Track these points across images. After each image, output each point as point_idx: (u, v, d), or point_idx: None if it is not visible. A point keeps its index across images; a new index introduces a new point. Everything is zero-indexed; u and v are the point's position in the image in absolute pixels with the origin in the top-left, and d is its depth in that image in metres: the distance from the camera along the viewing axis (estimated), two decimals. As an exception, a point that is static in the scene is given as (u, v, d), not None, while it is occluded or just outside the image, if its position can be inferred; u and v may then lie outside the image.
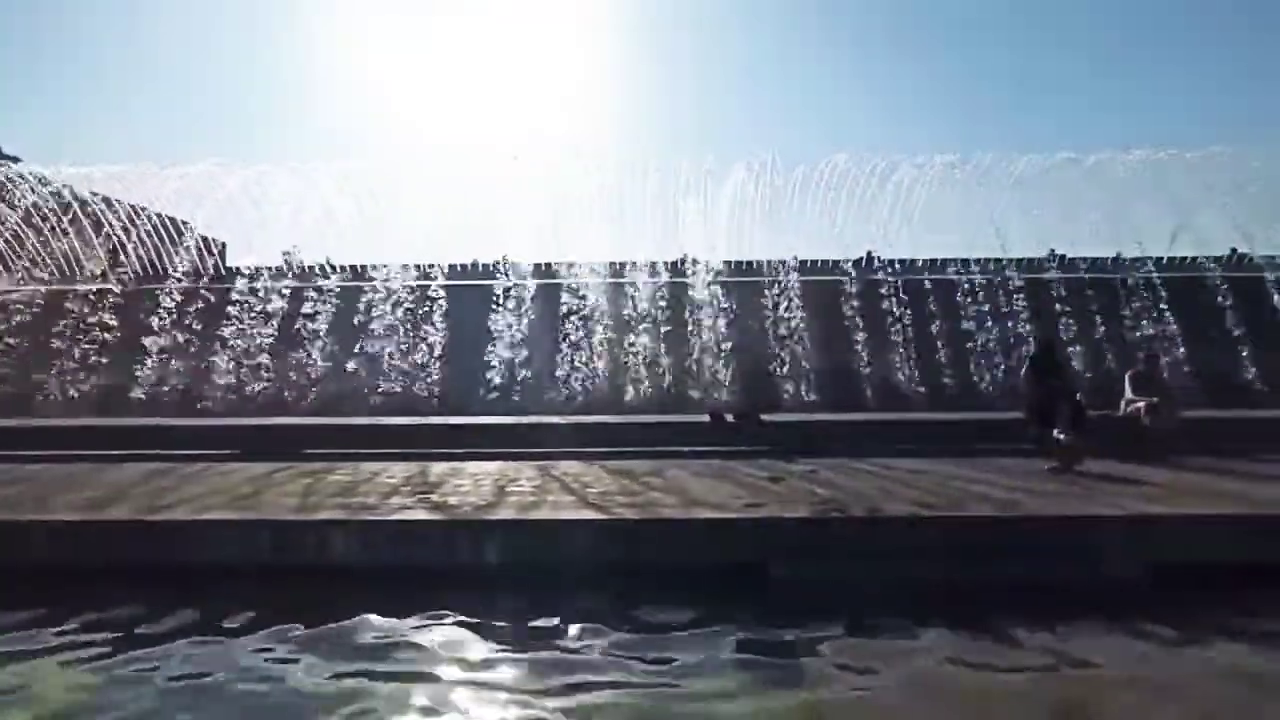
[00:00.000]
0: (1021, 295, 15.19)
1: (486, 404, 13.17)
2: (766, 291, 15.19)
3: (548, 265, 16.79)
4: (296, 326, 14.54)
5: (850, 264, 16.56)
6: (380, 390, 13.95)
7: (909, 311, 15.13)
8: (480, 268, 18.07)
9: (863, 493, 5.99)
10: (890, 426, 10.71)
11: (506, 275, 15.92)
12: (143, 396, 14.05)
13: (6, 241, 18.32)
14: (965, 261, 16.98)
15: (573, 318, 14.75)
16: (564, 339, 14.46)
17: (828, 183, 19.41)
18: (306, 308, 14.68)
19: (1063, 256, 18.24)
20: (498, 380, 13.80)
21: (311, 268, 16.83)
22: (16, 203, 18.21)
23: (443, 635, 3.95)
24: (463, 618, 4.13)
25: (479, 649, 3.78)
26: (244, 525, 5.07)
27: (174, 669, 3.57)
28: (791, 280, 15.50)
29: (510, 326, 14.47)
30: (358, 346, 14.29)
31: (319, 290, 14.94)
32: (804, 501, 5.60)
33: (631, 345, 14.55)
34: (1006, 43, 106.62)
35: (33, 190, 18.71)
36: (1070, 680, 3.52)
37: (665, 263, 16.33)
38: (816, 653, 3.72)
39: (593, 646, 3.79)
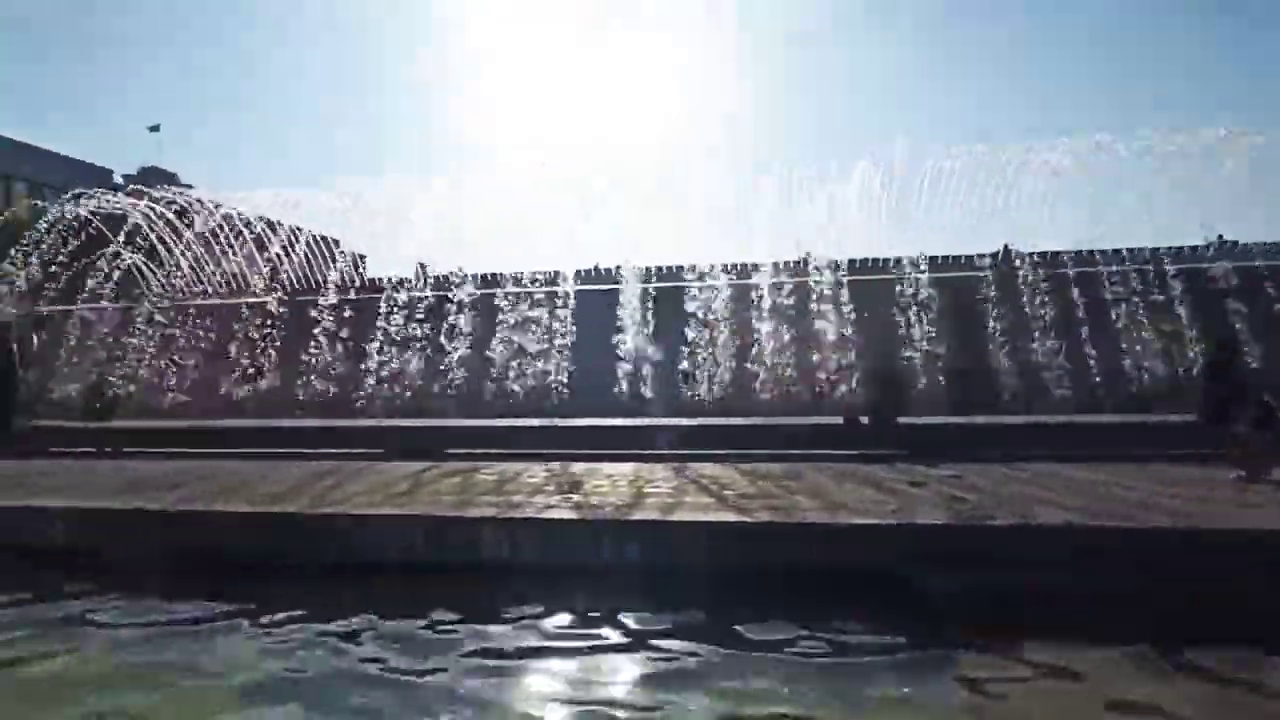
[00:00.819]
0: (1182, 286, 13.85)
1: (616, 406, 13.44)
2: (895, 289, 14.65)
3: (669, 268, 16.96)
4: (437, 333, 15.42)
5: (986, 258, 15.70)
6: (513, 393, 14.56)
7: (1052, 307, 14.15)
8: (603, 272, 18.50)
9: (1010, 498, 5.68)
10: (1036, 430, 10.07)
11: (629, 280, 16.17)
12: (302, 400, 15.33)
13: (187, 261, 20.54)
14: (1116, 251, 15.70)
15: (697, 320, 14.81)
16: (689, 342, 14.54)
17: (960, 174, 18.49)
18: (445, 316, 15.54)
19: (1233, 243, 16.51)
20: (626, 383, 14.07)
21: (444, 277, 17.78)
22: (194, 226, 20.37)
23: (593, 633, 4.07)
24: (605, 616, 4.23)
25: (621, 643, 3.88)
26: (406, 520, 5.42)
27: (354, 654, 3.85)
28: (921, 277, 14.86)
29: (636, 330, 14.71)
30: (492, 351, 14.98)
31: (455, 298, 15.77)
32: (949, 507, 5.37)
33: (757, 347, 14.44)
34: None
35: (207, 214, 20.87)
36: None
37: (787, 263, 16.10)
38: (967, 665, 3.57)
39: (766, 654, 3.73)
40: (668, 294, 15.51)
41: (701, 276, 15.77)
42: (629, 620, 4.20)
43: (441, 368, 15.16)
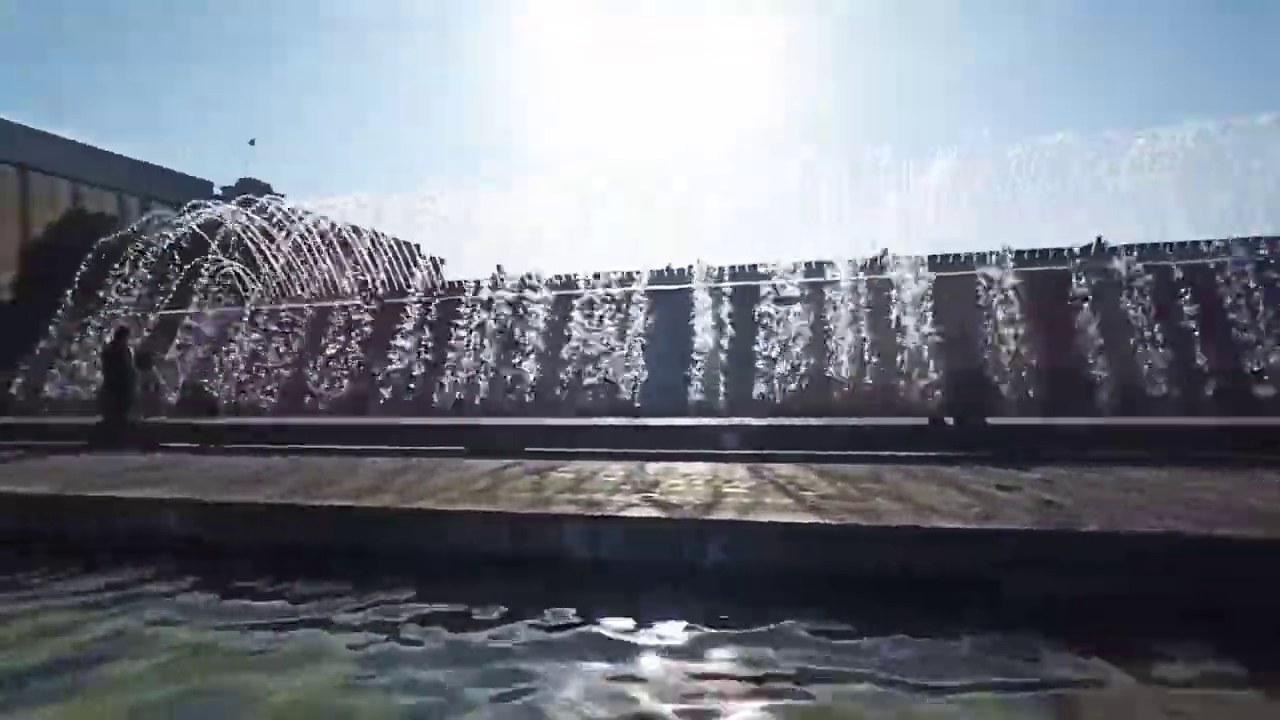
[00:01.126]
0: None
1: (690, 405, 13.44)
2: (979, 284, 14.10)
3: (742, 267, 16.82)
4: (513, 334, 15.77)
5: (1077, 251, 14.94)
6: (587, 392, 14.74)
7: (1150, 302, 13.36)
8: (675, 272, 18.51)
9: (1104, 503, 5.38)
10: (1134, 432, 9.53)
11: (701, 279, 16.13)
12: (384, 398, 15.93)
13: (279, 266, 21.67)
14: (1225, 242, 14.69)
15: (771, 319, 14.64)
16: (762, 341, 14.39)
17: (1050, 164, 17.65)
18: (521, 317, 15.88)
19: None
20: (700, 382, 14.04)
21: (521, 279, 18.15)
22: (287, 233, 21.48)
23: (672, 632, 4.08)
24: (682, 618, 4.22)
25: (709, 644, 3.87)
26: (488, 517, 5.55)
27: (427, 650, 3.96)
28: (1007, 271, 14.26)
29: (709, 329, 14.65)
30: (566, 351, 15.21)
31: (530, 300, 16.09)
32: (1040, 511, 5.14)
33: (833, 346, 14.17)
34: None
35: (297, 222, 21.96)
36: None
37: (864, 260, 15.75)
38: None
39: (855, 661, 3.66)
40: (741, 293, 15.39)
41: (775, 274, 15.56)
42: (707, 621, 4.18)
43: (518, 367, 15.48)
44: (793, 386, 13.95)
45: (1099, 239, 15.82)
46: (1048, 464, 7.71)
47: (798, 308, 14.54)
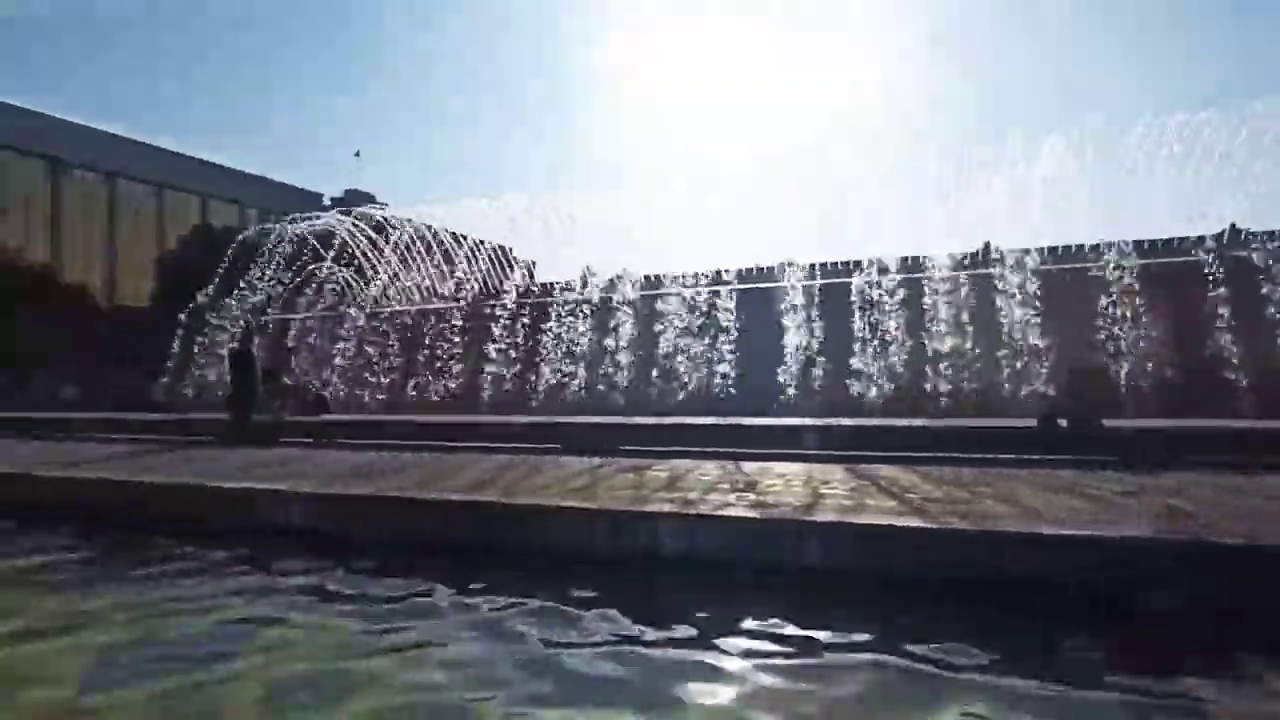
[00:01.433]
0: None
1: (784, 405, 13.25)
2: (1096, 278, 13.24)
3: (836, 264, 16.43)
4: (605, 334, 15.98)
5: (1209, 239, 13.79)
6: (679, 391, 14.76)
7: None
8: (765, 270, 18.28)
9: (1238, 512, 4.95)
10: (1273, 436, 8.73)
11: (793, 277, 15.86)
12: (484, 397, 16.47)
13: (384, 272, 22.81)
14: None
15: (866, 316, 14.22)
16: (861, 339, 13.99)
17: (1177, 146, 16.37)
18: (612, 317, 16.08)
19: None
20: (794, 381, 13.80)
21: (612, 279, 18.36)
22: (390, 240, 22.58)
23: (774, 639, 4.03)
24: (789, 622, 4.16)
25: (810, 650, 3.80)
26: (589, 513, 5.65)
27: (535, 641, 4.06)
28: (1129, 262, 13.32)
29: (801, 327, 14.39)
30: (658, 350, 15.29)
31: (621, 300, 16.26)
32: (1166, 519, 4.79)
33: (934, 344, 13.63)
34: None
35: (399, 229, 23.05)
36: None
37: (966, 255, 15.07)
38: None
39: (974, 676, 3.48)
40: (834, 290, 15.02)
41: (868, 270, 15.05)
42: (811, 626, 4.10)
43: (610, 367, 15.68)
44: (891, 386, 13.49)
45: (1233, 225, 14.55)
46: (1177, 469, 7.18)
47: (896, 304, 14.08)
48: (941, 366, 13.35)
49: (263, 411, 14.80)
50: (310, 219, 24.73)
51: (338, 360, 18.90)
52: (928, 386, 13.28)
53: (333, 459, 9.59)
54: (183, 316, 22.01)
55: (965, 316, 13.58)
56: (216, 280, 22.63)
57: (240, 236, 24.87)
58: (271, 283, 22.27)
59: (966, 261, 14.77)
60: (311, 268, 22.74)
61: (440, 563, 5.46)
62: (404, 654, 3.87)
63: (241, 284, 22.23)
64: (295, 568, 5.50)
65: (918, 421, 10.69)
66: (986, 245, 16.92)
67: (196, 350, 21.21)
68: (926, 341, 13.61)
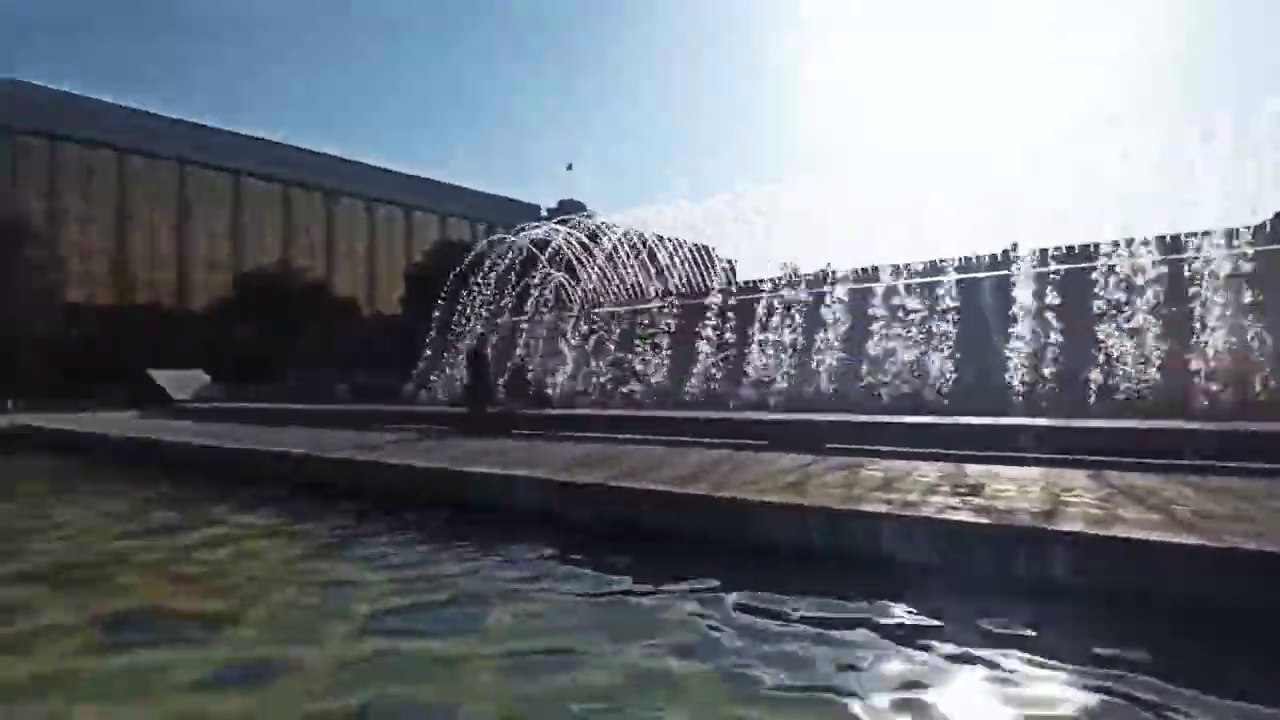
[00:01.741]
0: None
1: (1007, 403, 12.10)
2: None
3: (1071, 249, 14.69)
4: (811, 330, 15.63)
5: None
6: (890, 388, 14.05)
7: None
8: (984, 259, 16.84)
9: None
10: None
11: (1023, 264, 14.39)
12: (689, 393, 16.83)
13: (596, 276, 24.21)
14: None
15: (1111, 305, 12.49)
16: (1102, 332, 12.35)
17: None
18: (818, 312, 15.68)
19: None
20: (1020, 377, 12.54)
21: (819, 274, 17.90)
22: (601, 246, 23.91)
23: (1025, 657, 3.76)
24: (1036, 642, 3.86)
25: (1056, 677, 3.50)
26: (802, 510, 5.61)
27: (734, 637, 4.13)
28: None
29: (1033, 319, 12.99)
30: (868, 346, 14.66)
31: (828, 294, 15.80)
32: None
33: (1199, 334, 11.69)
34: None
35: (609, 236, 24.30)
36: None
37: (1244, 228, 12.73)
38: None
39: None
40: (1072, 276, 13.40)
41: (1121, 253, 13.16)
42: (1052, 648, 3.77)
43: (817, 363, 15.31)
44: (1142, 383, 11.74)
45: None
46: None
47: (1149, 290, 12.23)
48: (1211, 360, 11.37)
49: (497, 405, 16.36)
50: (531, 229, 26.87)
51: (555, 358, 20.33)
52: (1192, 383, 11.37)
53: (556, 449, 10.34)
54: (432, 321, 24.94)
55: (1243, 302, 11.46)
56: (451, 287, 25.38)
57: (474, 251, 27.65)
58: (500, 288, 24.58)
59: (1248, 236, 12.48)
60: (532, 273, 24.74)
61: (651, 548, 5.72)
62: (617, 636, 4.13)
63: (473, 292, 24.72)
64: (510, 544, 6.07)
65: (1179, 424, 9.20)
66: (1277, 215, 14.30)
67: (437, 352, 23.94)
68: (1190, 331, 11.68)
